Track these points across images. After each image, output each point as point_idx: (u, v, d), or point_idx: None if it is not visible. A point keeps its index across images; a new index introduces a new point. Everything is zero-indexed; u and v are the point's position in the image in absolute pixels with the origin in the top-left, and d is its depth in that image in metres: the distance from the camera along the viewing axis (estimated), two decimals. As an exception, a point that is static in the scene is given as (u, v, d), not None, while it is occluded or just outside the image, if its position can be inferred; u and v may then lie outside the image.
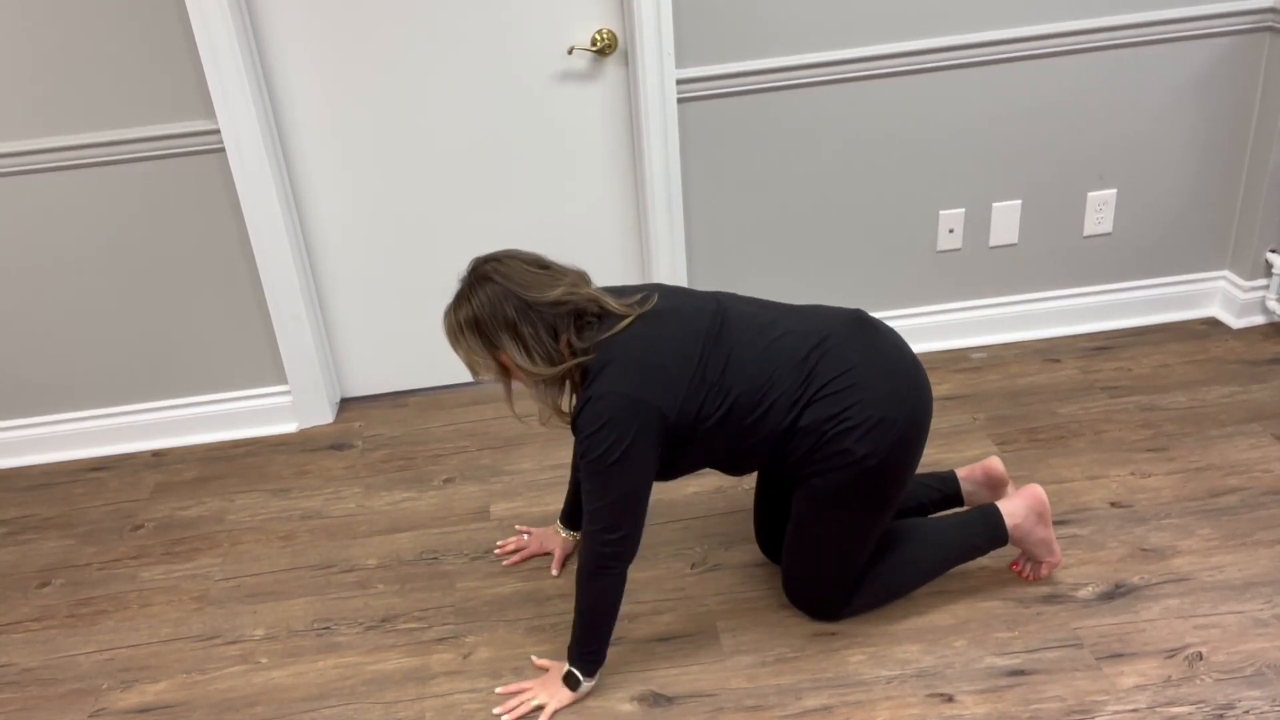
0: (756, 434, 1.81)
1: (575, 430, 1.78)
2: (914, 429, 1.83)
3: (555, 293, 1.77)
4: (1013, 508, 1.99)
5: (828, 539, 1.89)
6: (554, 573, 2.20)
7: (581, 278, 1.85)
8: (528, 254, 1.85)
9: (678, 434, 1.78)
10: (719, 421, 1.79)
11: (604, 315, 1.80)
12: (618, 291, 1.88)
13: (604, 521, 1.77)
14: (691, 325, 1.82)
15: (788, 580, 2.00)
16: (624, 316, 1.79)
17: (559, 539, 2.23)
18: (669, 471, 1.87)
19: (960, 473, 2.16)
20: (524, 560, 2.25)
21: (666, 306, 1.85)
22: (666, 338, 1.79)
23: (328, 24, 2.49)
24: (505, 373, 1.85)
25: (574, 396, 1.85)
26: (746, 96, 2.60)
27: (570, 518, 2.21)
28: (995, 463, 2.13)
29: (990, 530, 1.99)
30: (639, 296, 1.84)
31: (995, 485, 2.13)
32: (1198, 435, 2.44)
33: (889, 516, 1.90)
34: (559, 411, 1.86)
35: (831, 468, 1.80)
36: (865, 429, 1.77)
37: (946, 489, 2.15)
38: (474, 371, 1.86)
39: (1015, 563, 2.07)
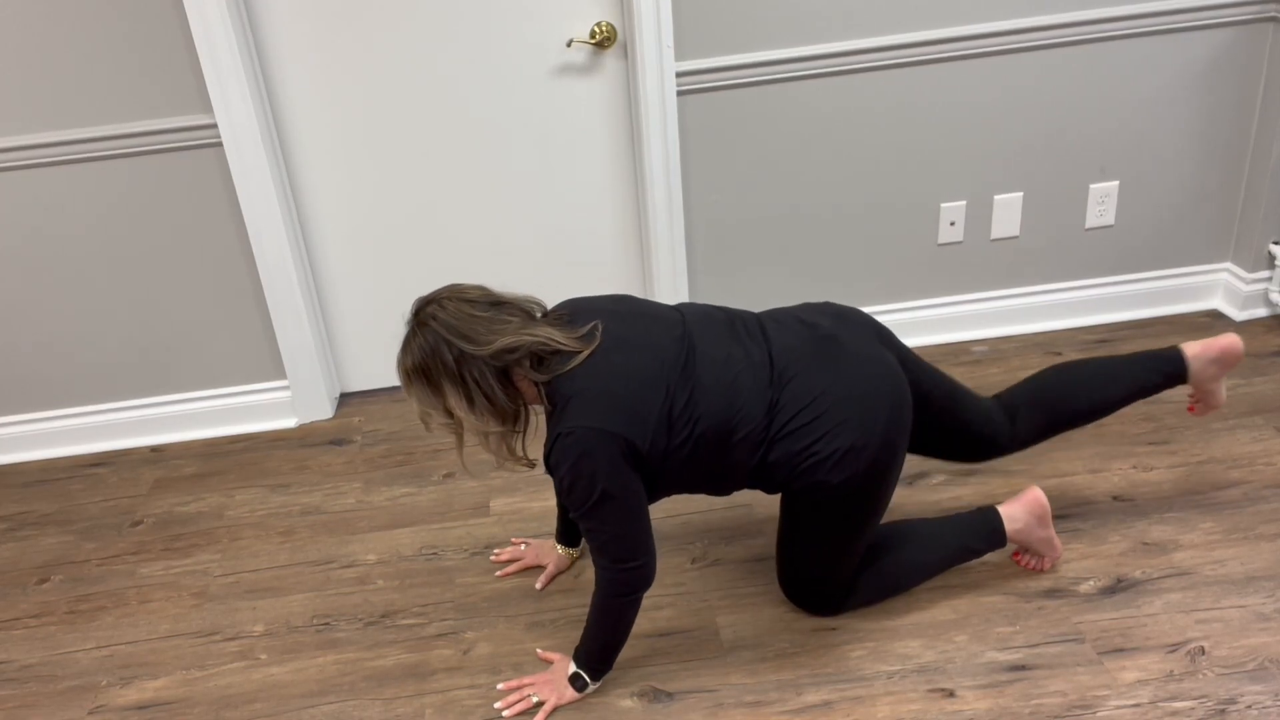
0: (729, 467, 1.79)
1: (548, 468, 1.73)
2: (887, 450, 1.78)
3: (499, 343, 1.69)
4: (1012, 512, 1.99)
5: (819, 545, 1.88)
6: (537, 587, 2.16)
7: (529, 315, 1.77)
8: (473, 290, 1.75)
9: (650, 465, 1.74)
10: (689, 455, 1.75)
11: (561, 351, 1.73)
12: (570, 316, 1.79)
13: (615, 553, 1.74)
14: (660, 355, 1.75)
15: (783, 579, 2.00)
16: (580, 352, 1.71)
17: (555, 555, 2.18)
18: (648, 496, 1.82)
19: (1191, 350, 2.00)
20: (519, 572, 2.21)
21: (632, 332, 1.77)
22: (634, 366, 1.72)
23: (325, 17, 2.48)
24: (457, 422, 1.78)
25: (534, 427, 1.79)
26: (747, 89, 2.58)
27: (564, 535, 2.17)
28: (1233, 341, 1.98)
29: (989, 534, 1.99)
30: (588, 328, 1.75)
31: (1229, 363, 2.00)
32: (1200, 428, 2.43)
33: (879, 520, 1.90)
34: (514, 457, 1.81)
35: (810, 492, 1.79)
36: (835, 460, 1.74)
37: (1172, 368, 2.02)
38: (426, 424, 1.79)
39: (1017, 553, 2.08)
